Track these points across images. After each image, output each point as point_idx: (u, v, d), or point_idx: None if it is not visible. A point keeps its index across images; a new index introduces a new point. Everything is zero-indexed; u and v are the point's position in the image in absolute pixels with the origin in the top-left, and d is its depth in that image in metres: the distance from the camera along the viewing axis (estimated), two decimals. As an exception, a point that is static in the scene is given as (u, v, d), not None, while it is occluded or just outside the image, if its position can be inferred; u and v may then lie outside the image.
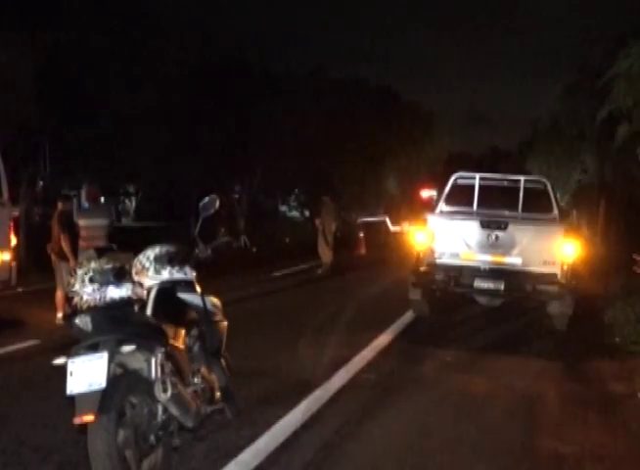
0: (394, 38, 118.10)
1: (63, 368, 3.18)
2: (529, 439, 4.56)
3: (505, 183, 9.18)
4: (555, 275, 7.78)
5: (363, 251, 20.44)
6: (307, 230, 22.20)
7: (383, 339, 7.45)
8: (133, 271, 3.77)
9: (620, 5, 18.89)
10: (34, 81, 12.55)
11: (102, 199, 9.71)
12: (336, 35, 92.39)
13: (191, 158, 18.84)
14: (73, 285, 3.35)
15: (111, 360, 3.18)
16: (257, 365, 6.00)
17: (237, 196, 24.71)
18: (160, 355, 3.41)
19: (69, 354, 3.20)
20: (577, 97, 17.52)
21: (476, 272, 8.04)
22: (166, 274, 3.99)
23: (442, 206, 9.04)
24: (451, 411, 5.09)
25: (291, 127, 20.72)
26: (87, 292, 3.30)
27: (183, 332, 3.90)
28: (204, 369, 4.07)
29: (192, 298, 4.10)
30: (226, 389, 4.21)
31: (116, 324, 3.33)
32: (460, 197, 8.98)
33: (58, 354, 3.26)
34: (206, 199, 4.43)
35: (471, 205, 8.88)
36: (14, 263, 8.32)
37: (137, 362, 3.39)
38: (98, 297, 3.30)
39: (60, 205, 8.24)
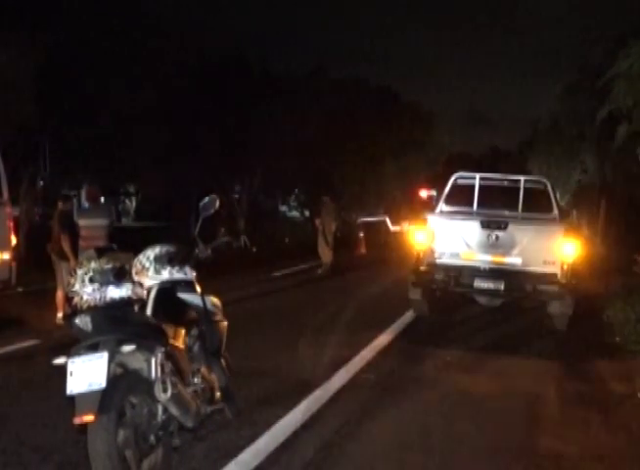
0: (394, 38, 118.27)
1: (63, 368, 3.18)
2: (529, 438, 4.56)
3: (505, 183, 9.19)
4: (555, 275, 7.78)
5: (363, 251, 20.44)
6: (307, 230, 22.21)
7: (383, 339, 7.45)
8: (133, 271, 3.77)
9: (620, 5, 18.92)
10: (34, 81, 12.55)
11: (102, 199, 9.73)
12: (336, 35, 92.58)
13: (191, 158, 18.85)
14: (73, 285, 3.35)
15: (111, 360, 3.18)
16: (257, 365, 6.00)
17: (237, 196, 24.72)
18: (160, 355, 3.42)
19: (69, 354, 3.20)
20: (577, 97, 17.54)
21: (476, 272, 8.05)
22: (166, 274, 4.00)
23: (442, 206, 9.04)
24: (451, 411, 5.09)
25: (291, 127, 20.72)
26: (87, 292, 3.30)
27: (183, 332, 3.90)
28: (204, 369, 4.07)
29: (192, 298, 4.10)
30: (226, 389, 4.21)
31: (116, 324, 3.33)
32: (460, 197, 8.99)
33: (58, 354, 3.26)
34: (206, 199, 4.44)
35: (471, 205, 8.89)
36: (14, 263, 8.32)
37: (137, 362, 3.39)
38: (98, 297, 3.30)
39: (60, 204, 8.24)
